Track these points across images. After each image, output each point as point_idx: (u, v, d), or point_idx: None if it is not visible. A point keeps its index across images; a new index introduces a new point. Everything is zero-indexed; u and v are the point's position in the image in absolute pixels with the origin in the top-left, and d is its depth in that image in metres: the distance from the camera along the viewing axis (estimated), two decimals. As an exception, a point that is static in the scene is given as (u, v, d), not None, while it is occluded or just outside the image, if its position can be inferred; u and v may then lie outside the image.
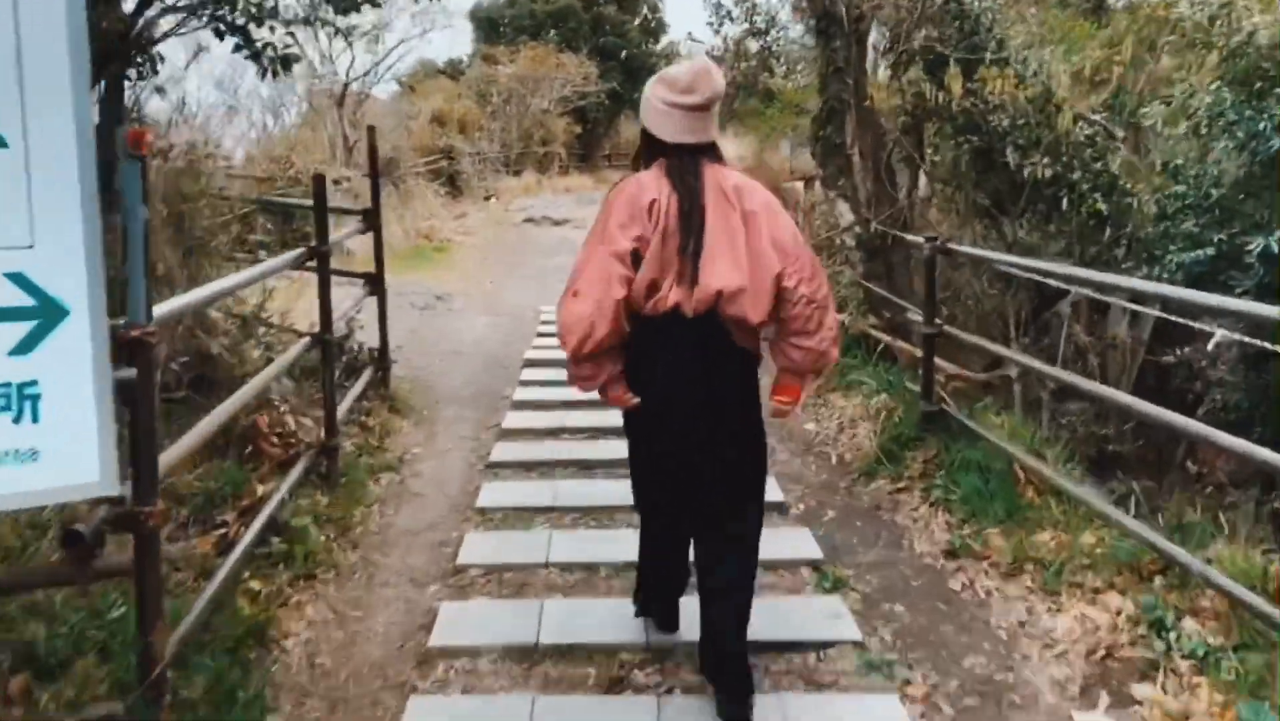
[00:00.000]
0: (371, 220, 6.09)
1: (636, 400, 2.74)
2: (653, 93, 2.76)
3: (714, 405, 2.73)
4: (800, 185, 12.69)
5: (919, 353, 5.95)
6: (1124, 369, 6.75)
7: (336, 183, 14.06)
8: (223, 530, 3.67)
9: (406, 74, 25.39)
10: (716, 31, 12.33)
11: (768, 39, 11.69)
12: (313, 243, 4.40)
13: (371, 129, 6.14)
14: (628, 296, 2.60)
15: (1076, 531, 3.89)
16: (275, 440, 4.47)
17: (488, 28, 31.56)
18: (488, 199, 20.84)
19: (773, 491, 4.59)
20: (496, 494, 4.64)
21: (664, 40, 32.86)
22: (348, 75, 15.22)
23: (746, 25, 12.01)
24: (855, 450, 5.34)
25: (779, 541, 3.87)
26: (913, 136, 6.86)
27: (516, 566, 3.81)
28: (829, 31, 6.86)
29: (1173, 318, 4.26)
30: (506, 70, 25.22)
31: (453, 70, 30.63)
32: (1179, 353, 6.18)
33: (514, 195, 21.96)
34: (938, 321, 5.01)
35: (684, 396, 2.71)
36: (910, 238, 5.58)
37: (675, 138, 2.71)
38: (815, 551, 3.98)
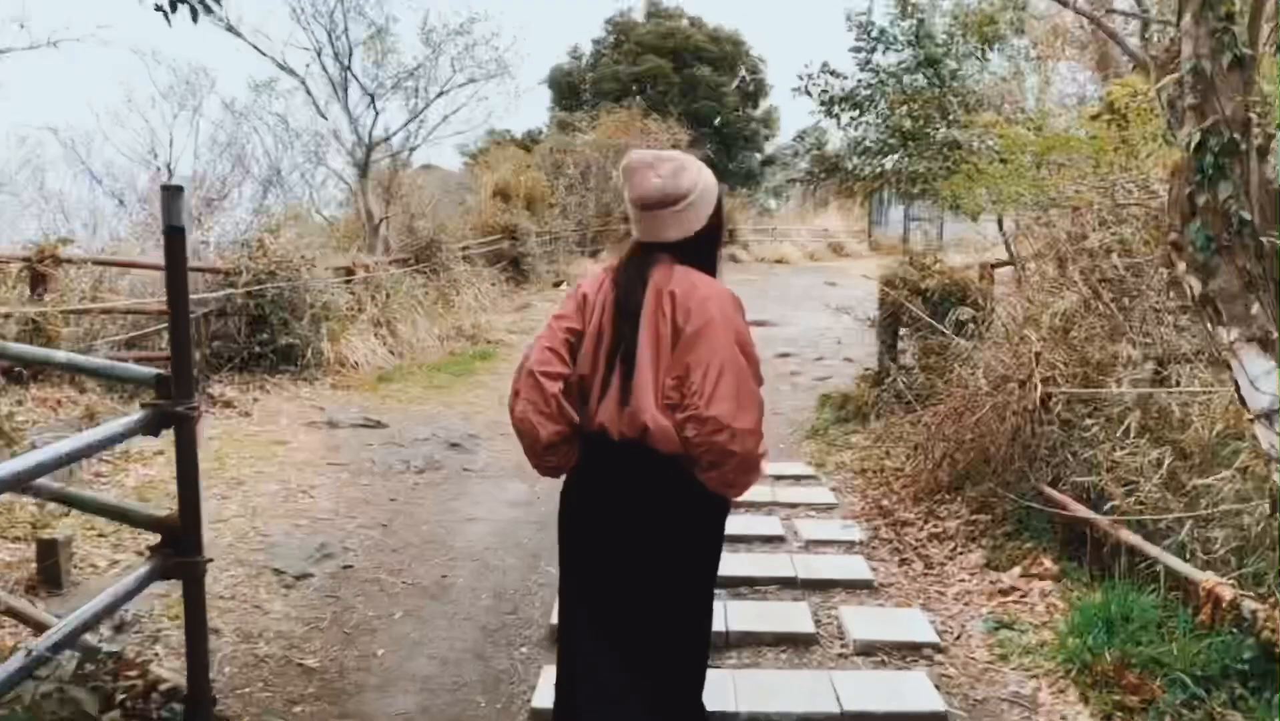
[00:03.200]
0: (161, 392, 2.50)
1: None
2: None
3: (633, 554, 2.35)
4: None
5: None
6: None
7: (351, 272, 10.81)
8: None
9: (474, 143, 22.59)
10: (866, 63, 8.67)
11: (941, 70, 7.89)
12: None
13: (172, 191, 2.54)
14: (565, 392, 2.34)
15: None
16: None
17: (567, 93, 28.76)
18: (557, 285, 17.49)
19: None
20: None
21: (764, 104, 29.56)
22: (369, 137, 11.97)
23: (911, 53, 8.28)
24: None
25: None
26: None
27: None
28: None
29: None
30: (585, 138, 22.09)
31: (530, 141, 27.85)
32: None
33: (589, 280, 18.60)
34: None
35: (601, 540, 2.39)
36: None
37: (634, 231, 2.51)
38: None
